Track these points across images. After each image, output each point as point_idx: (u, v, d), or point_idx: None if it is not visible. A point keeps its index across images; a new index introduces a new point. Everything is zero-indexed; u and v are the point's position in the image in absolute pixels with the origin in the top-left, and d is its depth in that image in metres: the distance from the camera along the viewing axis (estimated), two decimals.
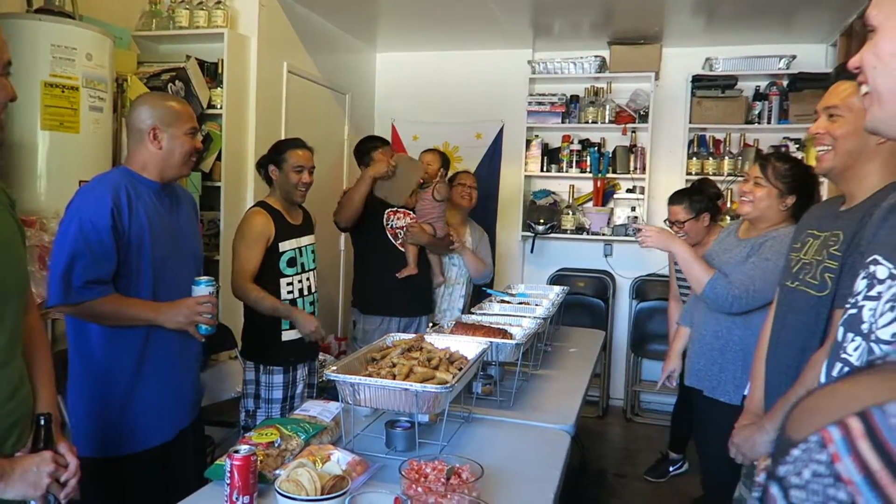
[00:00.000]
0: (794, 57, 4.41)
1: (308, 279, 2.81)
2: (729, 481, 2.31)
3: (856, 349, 0.93)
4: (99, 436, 1.90)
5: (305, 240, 2.81)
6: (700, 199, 3.14)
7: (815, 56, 4.52)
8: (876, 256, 0.95)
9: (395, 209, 3.39)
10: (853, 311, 0.96)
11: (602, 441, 4.32)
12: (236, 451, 1.36)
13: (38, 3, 2.75)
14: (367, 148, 3.42)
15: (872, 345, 0.88)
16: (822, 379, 1.04)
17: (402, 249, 3.36)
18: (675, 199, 3.24)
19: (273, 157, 2.76)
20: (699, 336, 2.43)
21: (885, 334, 0.86)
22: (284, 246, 2.71)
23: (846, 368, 0.95)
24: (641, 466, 3.87)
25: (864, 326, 0.91)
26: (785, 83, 4.47)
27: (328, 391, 3.80)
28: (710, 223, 3.14)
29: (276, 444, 1.54)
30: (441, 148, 5.13)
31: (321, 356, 4.14)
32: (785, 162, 2.29)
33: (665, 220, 3.28)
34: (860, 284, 0.96)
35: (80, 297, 1.78)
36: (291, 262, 2.74)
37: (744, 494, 1.71)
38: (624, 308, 4.90)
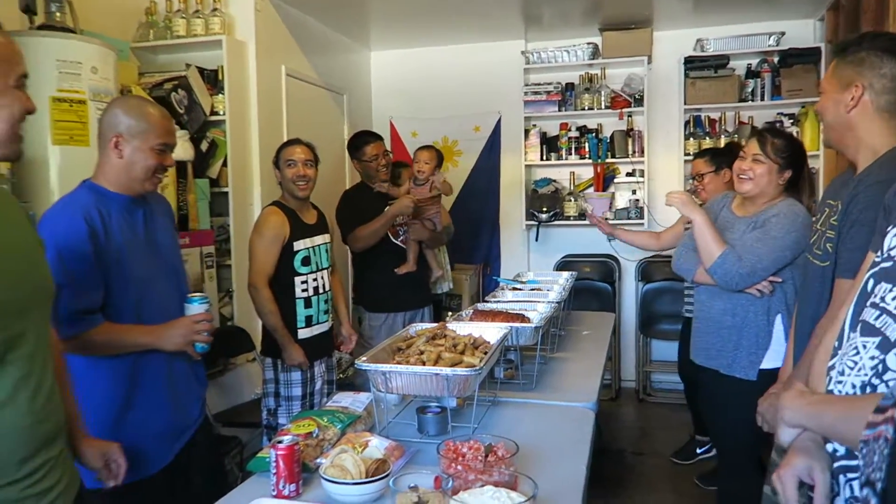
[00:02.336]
0: (783, 33, 4.47)
1: (322, 277, 2.86)
2: (745, 455, 2.34)
3: (888, 294, 0.99)
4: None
5: (319, 239, 2.86)
6: (723, 155, 3.21)
7: (803, 31, 4.57)
8: None
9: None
10: (887, 264, 1.01)
11: (617, 422, 4.38)
12: (279, 442, 1.41)
13: (39, 20, 2.78)
14: (359, 142, 3.47)
15: None
16: (848, 326, 1.08)
17: (403, 246, 3.41)
18: (699, 154, 3.43)
19: (274, 161, 2.85)
20: (706, 315, 2.41)
21: None
22: (299, 245, 2.76)
23: (886, 316, 1.00)
24: (658, 444, 3.93)
25: None
26: (776, 59, 4.52)
27: (346, 388, 3.86)
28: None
29: (314, 435, 1.59)
30: (440, 143, 5.20)
31: (336, 354, 4.20)
32: (782, 137, 2.33)
33: (687, 179, 3.41)
34: (893, 241, 1.02)
35: (69, 330, 1.65)
36: (306, 261, 2.79)
37: (775, 458, 1.75)
38: (630, 290, 4.95)
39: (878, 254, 1.05)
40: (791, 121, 4.51)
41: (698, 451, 3.65)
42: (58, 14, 2.77)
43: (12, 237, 1.24)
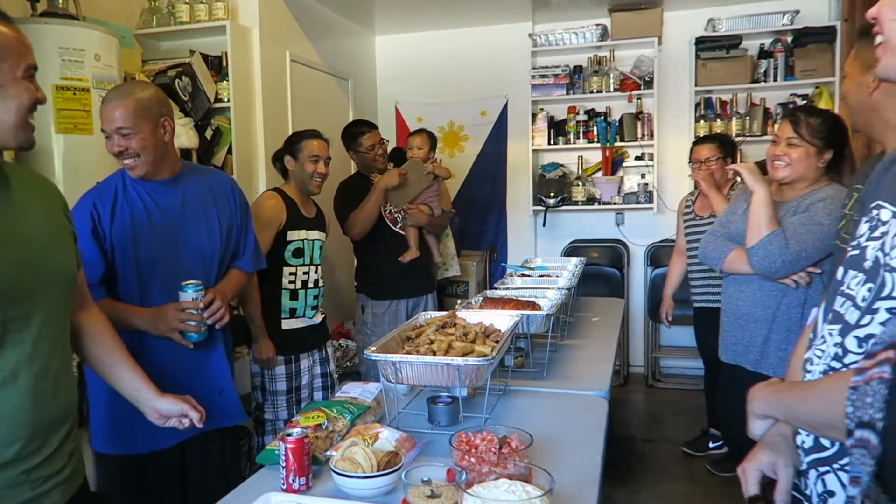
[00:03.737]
0: (797, 12, 4.38)
1: (315, 272, 2.79)
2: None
3: (857, 283, 0.99)
4: (114, 433, 1.88)
5: (315, 234, 2.79)
6: (728, 143, 3.17)
7: (818, 9, 4.48)
8: (879, 202, 0.99)
9: None
10: (855, 252, 1.01)
11: (626, 408, 4.36)
12: (288, 435, 1.38)
13: (42, 7, 2.74)
14: (354, 133, 3.39)
15: (885, 273, 0.93)
16: (821, 317, 1.08)
17: (402, 233, 3.37)
18: (704, 139, 3.35)
19: (289, 148, 2.77)
20: (733, 308, 2.31)
21: None
22: (292, 235, 2.70)
23: (848, 302, 1.01)
24: (668, 431, 3.91)
25: (867, 263, 0.97)
26: (789, 39, 4.44)
27: (353, 376, 3.84)
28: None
29: (324, 426, 1.56)
30: (446, 128, 5.16)
31: (342, 342, 4.18)
32: (817, 116, 2.15)
33: (690, 163, 3.34)
34: (863, 228, 1.02)
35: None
36: (297, 253, 2.72)
37: None
38: (639, 276, 4.91)
39: (851, 243, 1.04)
40: (804, 102, 4.44)
41: (711, 444, 3.59)
42: (60, 1, 2.73)
43: (21, 225, 1.27)
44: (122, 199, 1.87)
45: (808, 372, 1.07)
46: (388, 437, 1.49)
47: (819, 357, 1.05)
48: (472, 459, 1.35)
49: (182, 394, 1.78)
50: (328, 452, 1.49)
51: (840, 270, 1.03)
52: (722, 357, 2.37)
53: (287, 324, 2.73)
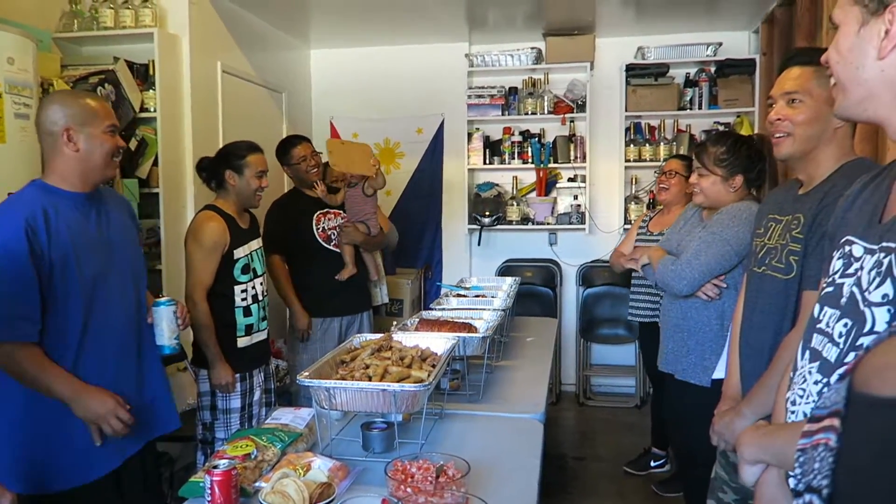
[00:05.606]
0: (720, 44, 4.59)
1: (261, 284, 2.76)
2: (702, 463, 2.31)
3: (833, 320, 1.00)
4: (29, 471, 1.73)
5: (255, 244, 2.75)
6: None
7: (739, 43, 4.71)
8: (849, 237, 1.01)
9: (326, 210, 3.34)
10: (829, 289, 1.02)
11: (558, 427, 4.39)
12: (215, 467, 1.31)
13: None
14: (286, 147, 3.37)
15: (865, 309, 0.94)
16: (799, 354, 1.09)
17: (336, 250, 3.32)
18: (678, 156, 3.52)
19: (232, 163, 2.66)
20: (666, 318, 2.42)
21: (876, 297, 0.92)
22: (238, 253, 2.64)
23: (825, 339, 1.01)
24: (600, 449, 3.95)
25: (843, 300, 0.98)
26: (713, 69, 4.64)
27: (284, 396, 3.73)
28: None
29: (253, 456, 1.49)
30: (382, 144, 5.13)
31: (275, 362, 4.05)
32: (720, 145, 2.26)
33: (654, 172, 3.43)
34: (836, 265, 1.03)
35: (2, 334, 1.65)
36: (245, 269, 2.67)
37: (720, 473, 1.74)
38: (571, 295, 4.98)
39: (825, 280, 1.06)
40: (726, 130, 4.63)
41: (652, 463, 3.63)
42: None
43: None
44: (53, 215, 1.72)
45: (792, 413, 1.06)
46: (320, 467, 1.43)
47: (801, 397, 1.04)
48: (409, 489, 1.31)
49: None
50: (257, 484, 1.42)
51: (816, 307, 1.04)
52: (658, 364, 2.45)
53: (242, 342, 2.68)
